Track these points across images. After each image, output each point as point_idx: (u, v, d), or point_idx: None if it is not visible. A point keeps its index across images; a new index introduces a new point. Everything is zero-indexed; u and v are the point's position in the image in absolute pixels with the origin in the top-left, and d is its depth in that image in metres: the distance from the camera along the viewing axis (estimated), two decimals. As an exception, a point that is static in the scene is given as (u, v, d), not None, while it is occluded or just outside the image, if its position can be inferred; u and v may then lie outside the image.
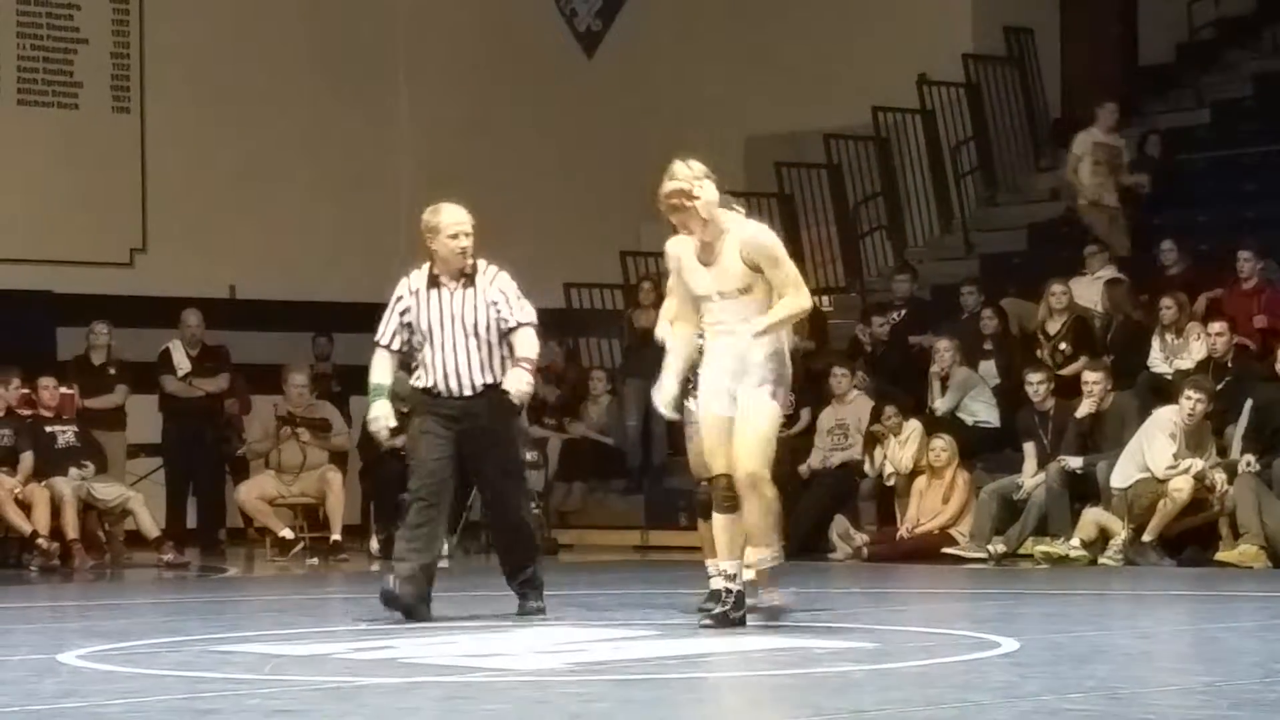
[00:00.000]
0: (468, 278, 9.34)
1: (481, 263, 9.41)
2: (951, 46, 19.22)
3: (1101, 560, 13.56)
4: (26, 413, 15.14)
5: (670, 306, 8.88)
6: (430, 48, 19.53)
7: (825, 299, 19.35)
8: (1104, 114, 17.65)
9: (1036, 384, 14.47)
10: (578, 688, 7.08)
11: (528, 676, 7.30)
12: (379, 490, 16.17)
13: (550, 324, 19.44)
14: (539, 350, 9.37)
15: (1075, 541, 13.75)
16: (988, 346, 15.87)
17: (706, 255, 8.44)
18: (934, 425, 14.96)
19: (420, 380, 9.37)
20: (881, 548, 14.60)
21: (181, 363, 16.49)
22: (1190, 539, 13.60)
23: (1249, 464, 13.34)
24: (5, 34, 17.82)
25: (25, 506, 14.57)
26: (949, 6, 19.78)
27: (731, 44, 20.35)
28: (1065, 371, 14.98)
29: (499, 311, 9.23)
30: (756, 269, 8.36)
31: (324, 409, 16.10)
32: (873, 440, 15.21)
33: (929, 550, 14.31)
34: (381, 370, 9.54)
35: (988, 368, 15.72)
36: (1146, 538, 13.42)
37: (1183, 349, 14.71)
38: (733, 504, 8.38)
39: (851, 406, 15.48)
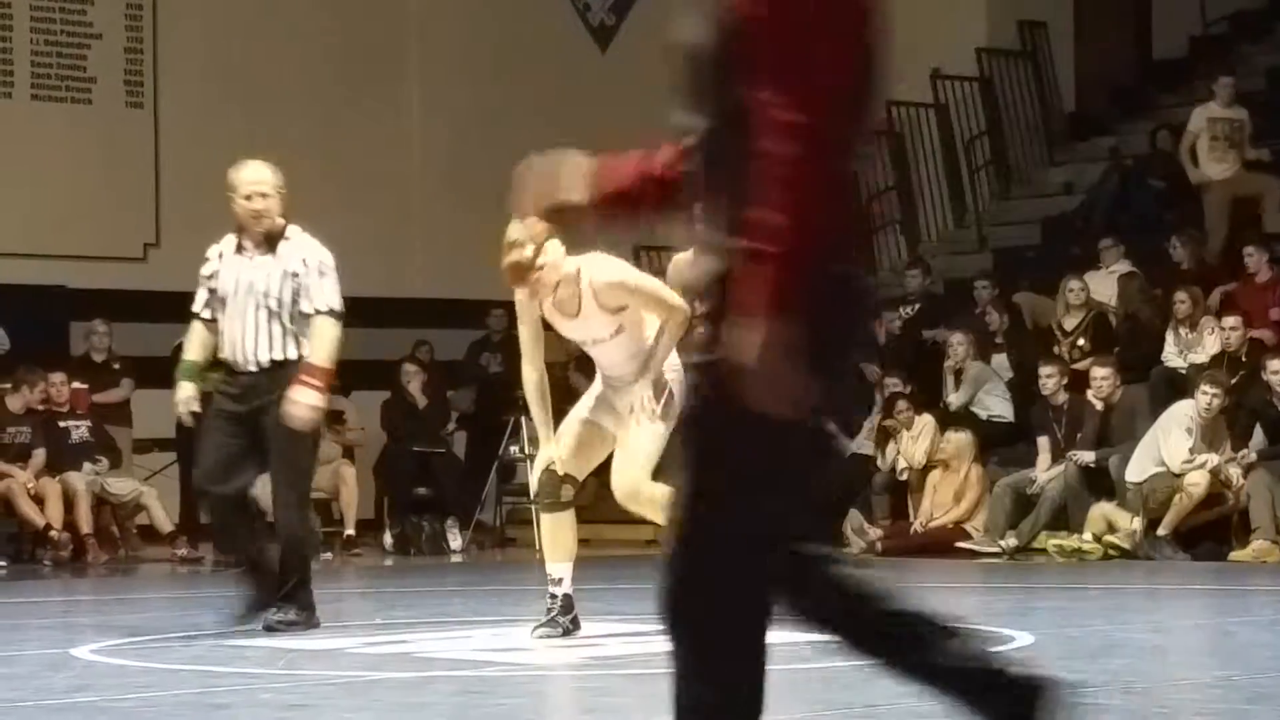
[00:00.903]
0: (270, 243, 8.59)
1: (294, 229, 8.64)
2: (965, 40, 19.19)
3: (1109, 538, 13.55)
4: (40, 408, 15.16)
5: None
6: (443, 43, 19.53)
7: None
8: (1220, 88, 16.99)
9: (1047, 378, 14.46)
10: (592, 682, 7.08)
11: (542, 671, 7.30)
12: (392, 484, 16.18)
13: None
14: (333, 347, 8.54)
15: (1087, 535, 13.73)
16: (998, 341, 15.86)
17: (567, 307, 7.91)
18: (948, 419, 14.96)
19: (222, 351, 8.63)
20: (895, 542, 14.60)
21: (195, 357, 16.49)
22: (1205, 533, 13.59)
23: (1242, 458, 13.42)
24: (19, 29, 17.83)
25: (39, 501, 14.59)
26: (963, 1, 19.76)
27: (744, 38, 20.33)
28: (1080, 366, 14.96)
29: (298, 286, 8.45)
30: (620, 308, 7.85)
31: (338, 403, 16.09)
32: (885, 435, 15.21)
33: (942, 544, 14.30)
34: (193, 345, 8.73)
35: (1000, 361, 15.71)
36: (1161, 532, 13.41)
37: (1196, 343, 14.69)
38: (556, 503, 7.92)
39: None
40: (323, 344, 8.44)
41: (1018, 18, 19.49)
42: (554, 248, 7.76)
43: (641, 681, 7.14)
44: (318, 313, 8.45)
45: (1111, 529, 13.69)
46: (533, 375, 8.00)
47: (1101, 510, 13.77)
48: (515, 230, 7.76)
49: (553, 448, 7.97)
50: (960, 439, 14.50)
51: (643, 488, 7.85)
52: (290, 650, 7.82)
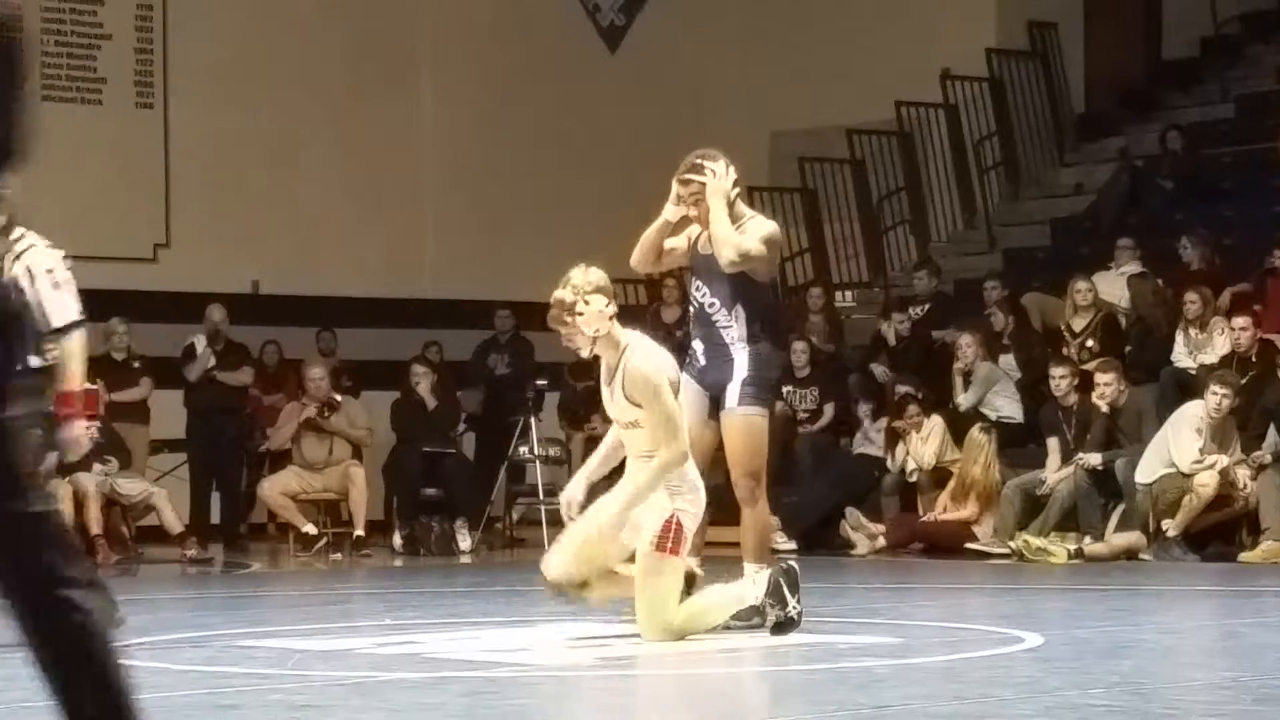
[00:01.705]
0: None
1: (20, 229, 7.95)
2: (975, 41, 19.20)
3: (1096, 548, 13.50)
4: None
5: None
6: (453, 43, 19.54)
7: (848, 294, 19.35)
8: None
9: (1059, 379, 14.45)
10: (602, 682, 7.09)
11: (552, 671, 7.31)
12: (402, 485, 16.19)
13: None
14: (80, 363, 7.92)
15: (1071, 546, 13.59)
16: (1005, 341, 15.85)
17: (607, 375, 7.82)
18: (958, 420, 14.96)
19: None
20: (898, 535, 14.59)
21: (208, 358, 16.52)
22: (1215, 535, 13.57)
23: (1255, 459, 13.39)
24: (29, 30, 17.83)
25: (49, 502, 14.60)
26: (972, 1, 19.76)
27: (755, 38, 20.35)
28: (1089, 367, 14.94)
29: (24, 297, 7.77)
30: (638, 404, 7.69)
31: (348, 404, 16.10)
32: (894, 436, 15.21)
33: (947, 541, 14.27)
34: None
35: (1007, 361, 15.69)
36: (1171, 533, 13.39)
37: (1206, 344, 14.68)
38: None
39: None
40: (72, 365, 7.78)
41: (1027, 18, 19.48)
42: (596, 301, 7.72)
43: (650, 681, 7.14)
44: (60, 330, 7.76)
45: (1127, 553, 13.56)
46: (614, 432, 8.04)
47: (1125, 540, 13.61)
48: (573, 272, 7.81)
49: (577, 484, 7.98)
50: (981, 437, 14.46)
51: (674, 623, 7.78)
52: (300, 651, 7.83)
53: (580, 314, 7.71)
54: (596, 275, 7.79)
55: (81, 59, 18.08)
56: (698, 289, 8.46)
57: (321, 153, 18.87)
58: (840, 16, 20.02)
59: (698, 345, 8.46)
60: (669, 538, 7.77)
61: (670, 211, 8.51)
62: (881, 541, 14.67)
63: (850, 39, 19.85)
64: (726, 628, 8.08)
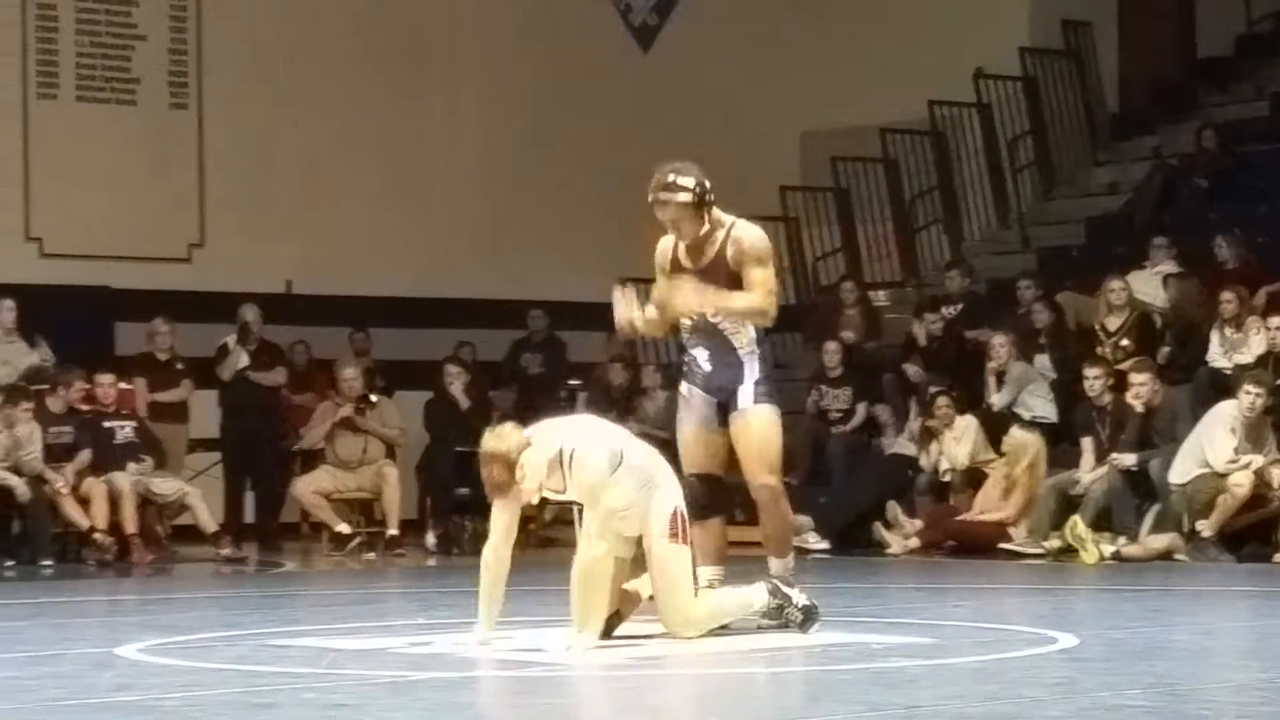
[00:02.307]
0: None
1: None
2: (1008, 40, 19.15)
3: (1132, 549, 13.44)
4: (85, 408, 15.21)
5: (498, 521, 7.88)
6: (486, 44, 19.55)
7: (881, 294, 19.32)
8: None
9: (1093, 379, 14.40)
10: (633, 682, 7.09)
11: (584, 670, 7.31)
12: (435, 485, 16.20)
13: (606, 319, 19.50)
14: None
15: (1108, 548, 13.53)
16: (1043, 340, 15.81)
17: (557, 485, 7.82)
18: (990, 420, 14.92)
19: None
20: (936, 530, 14.54)
21: (240, 357, 16.55)
22: (1250, 535, 13.51)
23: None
24: (64, 31, 17.91)
25: (84, 502, 14.64)
26: (1006, 0, 19.71)
27: (787, 37, 20.32)
28: (1124, 367, 14.89)
29: None
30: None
31: (382, 404, 16.12)
32: (928, 435, 15.18)
33: (982, 542, 14.23)
34: None
35: (1042, 361, 15.65)
36: (1206, 534, 13.33)
37: (1242, 343, 14.62)
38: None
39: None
40: None
41: (1061, 17, 19.43)
42: (530, 457, 7.65)
43: (681, 681, 7.14)
44: None
45: (1166, 553, 13.50)
46: (493, 560, 7.95)
47: (1163, 541, 13.56)
48: (490, 442, 7.68)
49: (483, 631, 7.84)
50: (1026, 438, 14.40)
51: (692, 613, 7.81)
52: (334, 650, 7.84)
53: (523, 478, 7.66)
54: (510, 434, 7.69)
55: (116, 59, 18.13)
56: None
57: (354, 153, 18.90)
58: (874, 15, 19.98)
59: (700, 353, 8.41)
60: (678, 528, 7.80)
61: (651, 314, 8.46)
62: (915, 542, 14.64)
63: (883, 38, 19.82)
64: (759, 627, 8.08)
